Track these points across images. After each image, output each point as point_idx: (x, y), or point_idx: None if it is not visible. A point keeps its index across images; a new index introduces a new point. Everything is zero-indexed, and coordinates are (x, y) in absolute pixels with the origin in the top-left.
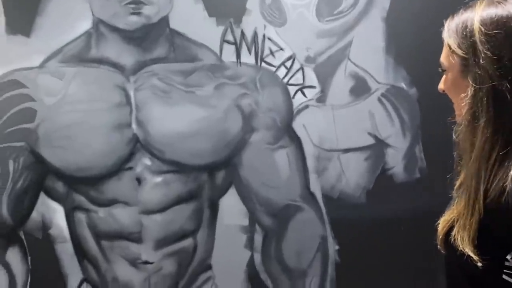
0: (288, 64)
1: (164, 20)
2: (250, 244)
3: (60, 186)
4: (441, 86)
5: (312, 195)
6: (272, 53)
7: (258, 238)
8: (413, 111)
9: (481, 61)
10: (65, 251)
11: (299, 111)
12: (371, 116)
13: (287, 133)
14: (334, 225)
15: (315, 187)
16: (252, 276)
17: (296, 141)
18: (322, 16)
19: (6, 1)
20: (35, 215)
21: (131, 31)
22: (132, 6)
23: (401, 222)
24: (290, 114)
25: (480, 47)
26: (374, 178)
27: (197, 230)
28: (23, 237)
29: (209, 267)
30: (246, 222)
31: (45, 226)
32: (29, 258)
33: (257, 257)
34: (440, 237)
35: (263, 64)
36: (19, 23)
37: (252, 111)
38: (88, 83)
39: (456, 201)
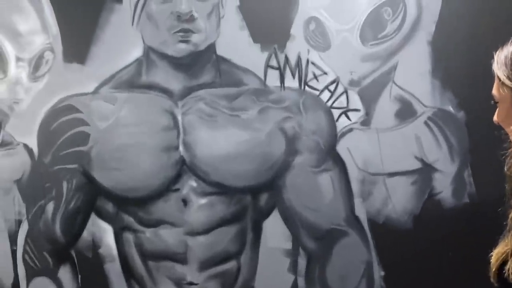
0: (332, 87)
1: (211, 47)
2: (293, 268)
3: (110, 207)
4: (495, 118)
5: (357, 219)
6: (315, 77)
7: (302, 262)
8: (461, 135)
9: None
10: (113, 270)
11: (343, 134)
12: (417, 140)
13: (331, 156)
14: (379, 251)
15: (360, 212)
16: None
17: (340, 164)
18: (366, 40)
19: (63, 31)
20: (86, 234)
21: (179, 58)
22: (181, 34)
23: (449, 249)
24: (334, 137)
25: None
26: (421, 203)
27: (240, 253)
28: (74, 255)
29: None
30: (289, 245)
31: (95, 246)
32: (79, 276)
33: (301, 281)
34: (493, 270)
35: (307, 88)
36: (75, 51)
37: (295, 134)
38: (138, 108)
39: (510, 233)
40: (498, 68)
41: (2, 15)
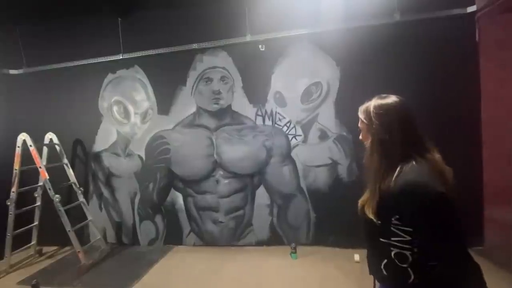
0: (288, 124)
1: (229, 106)
2: (271, 213)
3: (180, 184)
4: (360, 137)
5: (302, 188)
6: (280, 119)
7: (275, 210)
8: (350, 146)
9: (373, 126)
10: (182, 216)
11: (294, 147)
12: (329, 149)
13: (288, 158)
14: (312, 203)
15: (303, 184)
16: (273, 229)
17: (293, 162)
18: (303, 102)
19: (157, 99)
20: (169, 198)
21: (214, 111)
22: (214, 100)
23: (343, 202)
24: (289, 149)
25: (373, 119)
26: (332, 180)
27: (245, 206)
28: (163, 209)
29: (251, 224)
30: (269, 202)
31: (173, 204)
32: (165, 219)
33: (275, 220)
34: (360, 208)
35: (276, 125)
36: (163, 109)
37: (271, 147)
38: (194, 136)
39: (367, 190)
40: (360, 113)
41: (128, 93)
